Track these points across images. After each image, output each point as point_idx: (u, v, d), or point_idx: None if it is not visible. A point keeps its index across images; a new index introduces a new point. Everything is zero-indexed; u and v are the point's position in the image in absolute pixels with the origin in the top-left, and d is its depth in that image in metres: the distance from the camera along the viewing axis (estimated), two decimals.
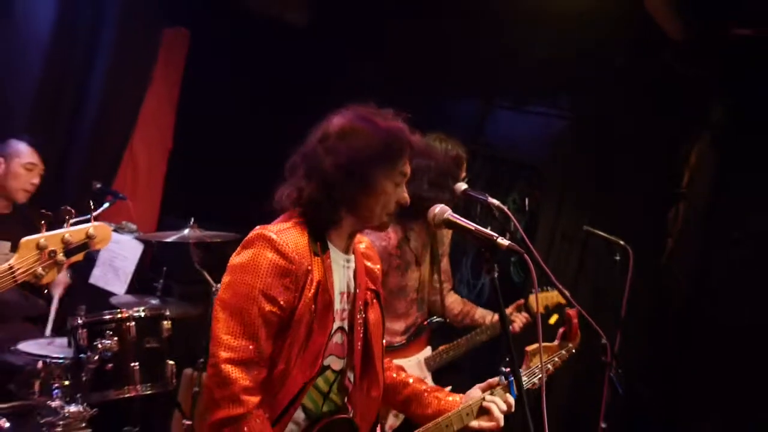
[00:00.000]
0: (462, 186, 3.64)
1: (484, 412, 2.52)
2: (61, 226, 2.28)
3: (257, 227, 2.32)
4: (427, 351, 3.93)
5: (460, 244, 4.18)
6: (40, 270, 2.20)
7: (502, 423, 2.50)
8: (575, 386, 5.02)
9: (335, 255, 2.39)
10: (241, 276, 2.24)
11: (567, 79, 5.34)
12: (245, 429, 2.17)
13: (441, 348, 3.94)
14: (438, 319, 4.00)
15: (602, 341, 3.97)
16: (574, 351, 2.80)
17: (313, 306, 2.28)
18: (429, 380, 3.86)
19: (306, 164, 2.35)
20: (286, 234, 2.28)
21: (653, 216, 5.21)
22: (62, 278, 4.46)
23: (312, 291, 2.27)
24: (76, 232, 2.28)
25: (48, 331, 4.18)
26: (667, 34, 4.78)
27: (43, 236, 2.21)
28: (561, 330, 2.78)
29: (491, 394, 2.54)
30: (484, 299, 5.29)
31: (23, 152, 4.34)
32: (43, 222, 2.25)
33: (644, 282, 4.54)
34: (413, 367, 3.83)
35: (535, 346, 2.60)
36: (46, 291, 4.37)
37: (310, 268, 2.28)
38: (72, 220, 2.37)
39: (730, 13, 4.70)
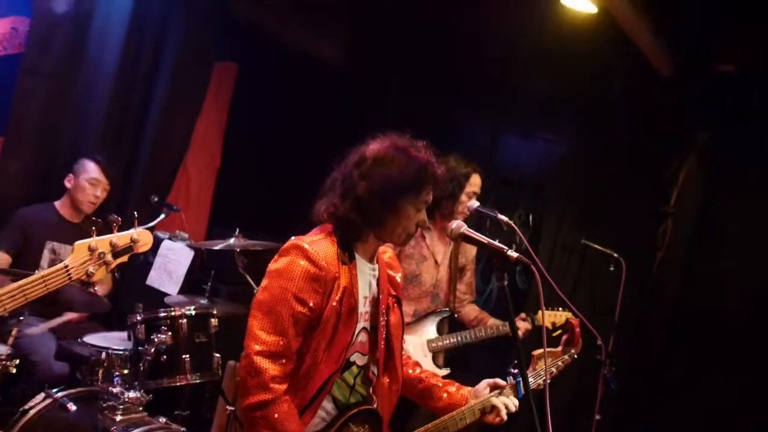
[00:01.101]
0: (474, 204, 3.67)
1: (493, 408, 2.52)
2: (110, 232, 2.31)
3: (292, 238, 2.33)
4: (432, 335, 3.93)
5: None
6: (91, 269, 2.24)
7: (505, 419, 2.51)
8: (574, 382, 4.97)
9: (361, 264, 2.39)
10: (276, 280, 2.25)
11: (567, 109, 5.32)
12: (274, 412, 2.17)
13: (444, 336, 3.95)
14: (446, 309, 4.01)
15: (598, 342, 3.95)
16: (575, 356, 2.79)
17: (339, 309, 2.27)
18: (429, 359, 3.90)
19: (342, 185, 2.35)
20: (318, 245, 2.28)
21: (644, 231, 5.16)
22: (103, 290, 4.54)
23: (338, 295, 2.27)
24: (122, 237, 2.31)
25: None
26: (657, 69, 4.75)
27: (94, 240, 2.24)
28: (564, 337, 2.77)
29: (500, 393, 2.53)
30: (492, 303, 5.25)
31: (89, 169, 4.39)
32: (93, 228, 2.29)
33: (635, 290, 4.49)
34: (416, 345, 3.86)
35: (540, 351, 2.59)
36: (96, 288, 4.40)
37: (337, 275, 2.28)
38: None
39: (713, 50, 4.68)
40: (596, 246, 4.48)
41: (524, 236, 3.11)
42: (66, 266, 2.17)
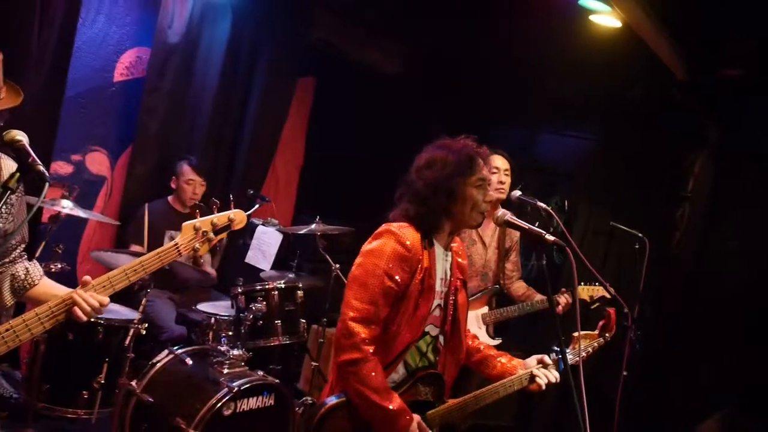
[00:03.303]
0: (517, 193, 3.59)
1: (534, 379, 2.51)
2: (211, 213, 2.30)
3: (385, 224, 2.33)
4: (485, 309, 3.88)
5: None
6: (197, 245, 2.22)
7: (543, 388, 2.49)
8: (604, 345, 4.89)
9: (438, 250, 2.38)
10: (370, 258, 2.25)
11: (596, 109, 5.19)
12: (363, 368, 2.18)
13: (495, 310, 3.89)
14: (497, 286, 3.95)
15: (625, 310, 3.83)
16: (609, 339, 2.73)
17: (420, 286, 2.27)
18: (483, 330, 3.83)
19: (408, 191, 2.36)
20: (406, 230, 2.29)
21: (664, 214, 5.00)
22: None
23: (420, 275, 2.27)
24: (221, 217, 2.28)
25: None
26: (673, 74, 4.60)
27: (198, 221, 2.23)
28: (601, 323, 2.69)
29: (545, 367, 2.51)
30: (532, 277, 5.17)
31: (185, 172, 4.49)
32: (197, 211, 2.27)
33: (657, 265, 4.36)
34: (472, 319, 3.78)
35: (580, 333, 2.53)
36: (202, 261, 4.46)
37: (421, 258, 2.28)
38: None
39: (722, 58, 4.50)
40: (623, 227, 4.35)
41: (560, 220, 3.04)
42: (176, 244, 2.17)
